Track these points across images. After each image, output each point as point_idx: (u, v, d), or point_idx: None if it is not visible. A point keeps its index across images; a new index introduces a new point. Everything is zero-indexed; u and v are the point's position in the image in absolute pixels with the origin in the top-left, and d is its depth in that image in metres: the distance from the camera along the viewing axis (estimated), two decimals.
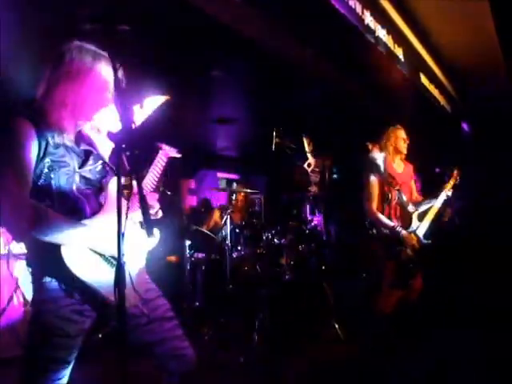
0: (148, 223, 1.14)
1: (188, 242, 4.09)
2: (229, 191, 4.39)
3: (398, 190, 3.25)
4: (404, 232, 3.11)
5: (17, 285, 3.45)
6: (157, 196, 1.67)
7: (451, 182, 3.30)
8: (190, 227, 4.13)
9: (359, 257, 4.38)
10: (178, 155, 1.81)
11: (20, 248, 3.57)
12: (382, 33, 3.89)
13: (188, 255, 4.03)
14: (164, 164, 1.76)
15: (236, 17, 2.95)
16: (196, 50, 3.38)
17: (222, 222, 4.10)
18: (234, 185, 4.84)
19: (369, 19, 3.67)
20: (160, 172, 1.73)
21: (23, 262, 3.49)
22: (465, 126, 6.79)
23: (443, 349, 3.16)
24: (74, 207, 1.40)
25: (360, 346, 3.25)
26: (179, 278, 3.95)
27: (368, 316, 3.24)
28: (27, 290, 3.49)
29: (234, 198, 4.23)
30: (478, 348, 3.11)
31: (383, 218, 3.17)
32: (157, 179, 1.71)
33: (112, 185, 1.49)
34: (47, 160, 1.36)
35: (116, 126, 1.46)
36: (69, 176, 1.40)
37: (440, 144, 5.49)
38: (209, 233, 4.22)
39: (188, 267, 4.01)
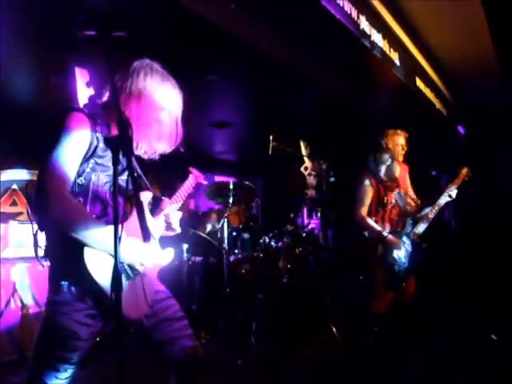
0: (145, 229, 1.16)
1: (186, 246, 4.10)
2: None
3: (399, 192, 3.27)
4: (390, 236, 3.12)
5: (14, 289, 3.45)
6: (180, 214, 1.77)
7: (457, 182, 3.19)
8: (188, 231, 4.14)
9: (355, 259, 4.40)
10: (205, 182, 2.03)
11: (15, 253, 3.58)
12: (377, 37, 3.92)
13: (185, 259, 4.04)
14: (192, 187, 1.95)
15: (233, 21, 2.98)
16: (192, 55, 3.39)
17: (219, 226, 4.10)
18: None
19: (364, 24, 3.69)
20: (187, 194, 1.89)
21: (20, 267, 3.52)
22: (461, 129, 6.83)
23: (440, 350, 3.18)
24: (103, 211, 1.44)
25: (357, 348, 3.27)
26: (177, 282, 3.95)
27: (363, 317, 3.27)
28: (24, 294, 3.49)
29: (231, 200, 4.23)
30: (476, 350, 3.13)
31: (370, 222, 3.18)
32: (183, 200, 1.85)
33: (142, 197, 1.53)
34: (92, 161, 1.42)
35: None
36: (107, 181, 1.45)
37: (436, 147, 5.51)
38: (206, 236, 4.22)
39: (185, 271, 4.02)
